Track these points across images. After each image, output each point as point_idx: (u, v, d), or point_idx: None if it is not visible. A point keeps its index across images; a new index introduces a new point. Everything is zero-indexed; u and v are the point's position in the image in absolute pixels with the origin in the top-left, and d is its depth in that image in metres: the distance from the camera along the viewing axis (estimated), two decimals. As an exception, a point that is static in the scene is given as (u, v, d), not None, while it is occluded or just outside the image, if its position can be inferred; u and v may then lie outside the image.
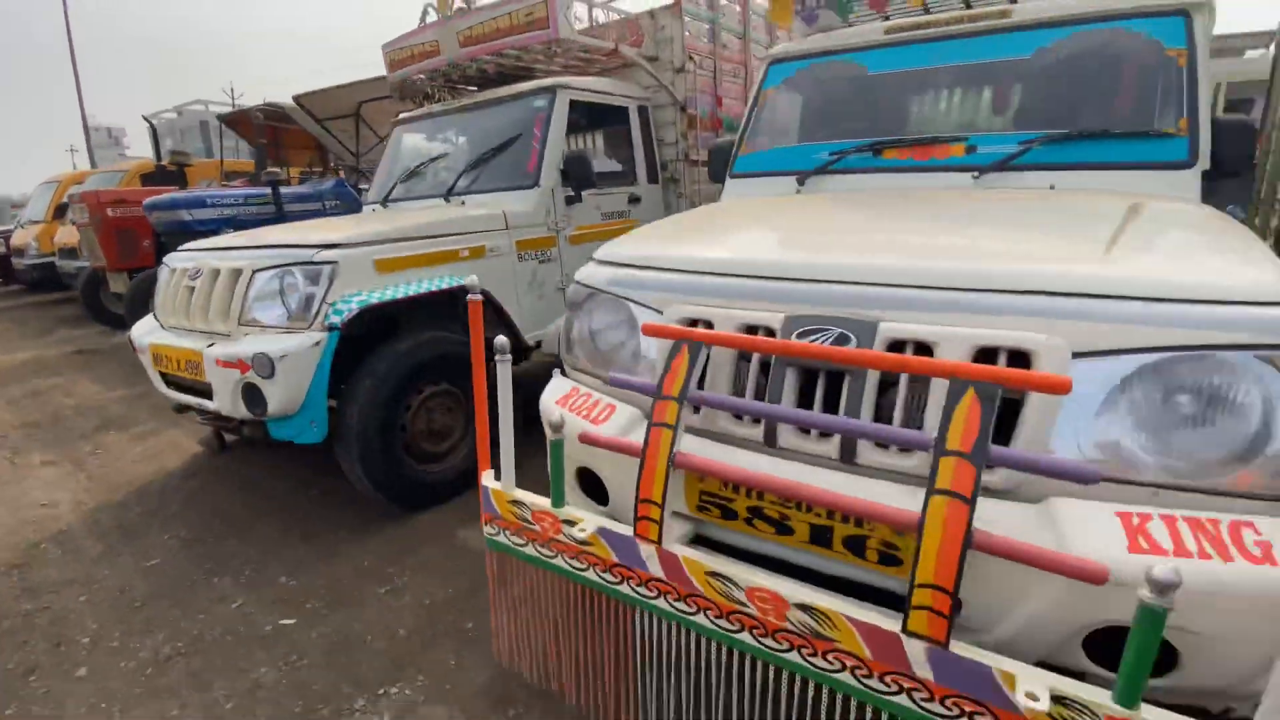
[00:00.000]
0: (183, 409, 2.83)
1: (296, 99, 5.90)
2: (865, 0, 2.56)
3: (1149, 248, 1.31)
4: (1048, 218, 1.63)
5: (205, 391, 2.46)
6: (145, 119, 7.14)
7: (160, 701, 1.72)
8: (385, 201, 3.72)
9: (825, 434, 1.26)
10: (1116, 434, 1.07)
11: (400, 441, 2.52)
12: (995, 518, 1.07)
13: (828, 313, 1.30)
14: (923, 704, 1.04)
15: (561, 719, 1.60)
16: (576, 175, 3.20)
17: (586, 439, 1.46)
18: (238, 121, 6.83)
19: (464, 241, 2.81)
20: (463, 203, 3.26)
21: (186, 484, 3.07)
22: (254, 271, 2.41)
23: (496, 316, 2.94)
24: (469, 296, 1.50)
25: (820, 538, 1.25)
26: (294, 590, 2.16)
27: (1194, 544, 0.99)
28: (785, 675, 1.18)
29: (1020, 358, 1.12)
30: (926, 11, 2.50)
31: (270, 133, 7.09)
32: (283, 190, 5.38)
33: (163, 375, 2.74)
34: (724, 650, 1.26)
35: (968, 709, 1.00)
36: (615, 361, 1.65)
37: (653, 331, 1.40)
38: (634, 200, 3.82)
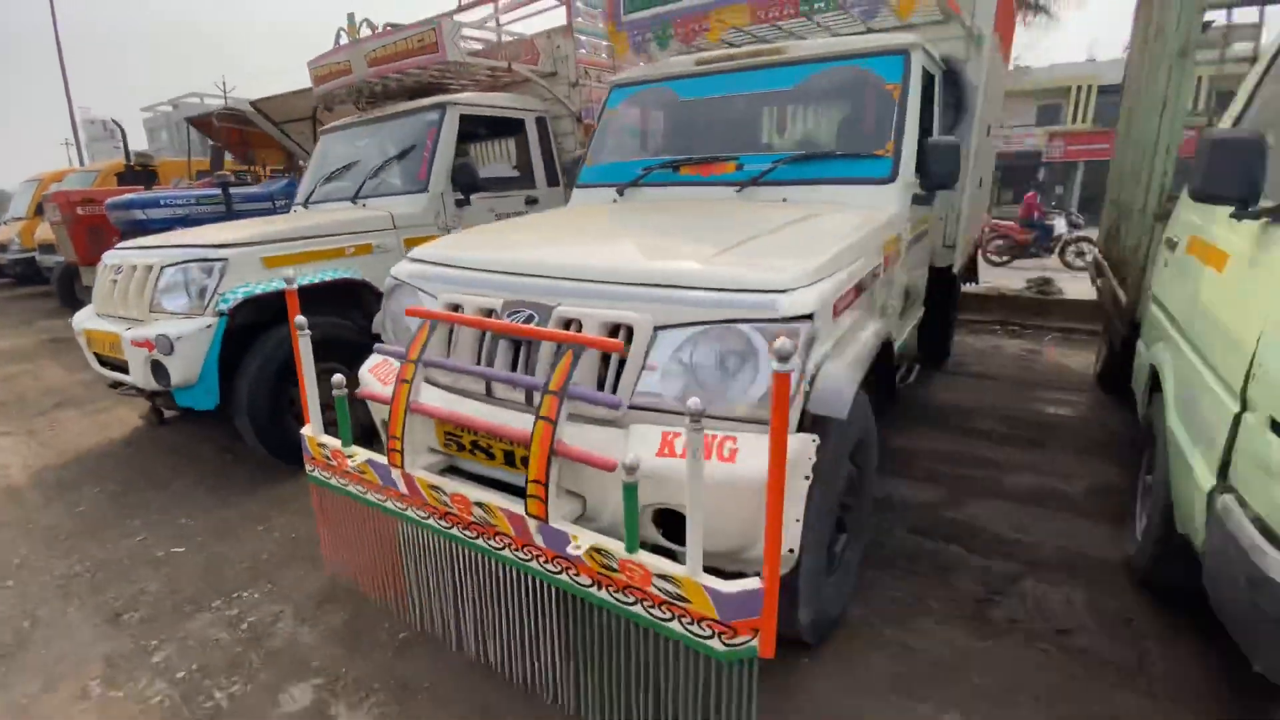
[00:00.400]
0: (115, 385, 3.31)
1: (253, 104, 6.34)
2: (677, 35, 3.02)
3: (752, 249, 1.79)
4: (732, 225, 2.10)
5: (125, 368, 2.95)
6: (114, 122, 7.60)
7: (66, 601, 2.22)
8: (306, 203, 4.20)
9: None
10: (676, 379, 1.56)
11: (289, 411, 3.01)
12: (595, 438, 1.56)
13: (527, 299, 1.78)
14: (544, 565, 1.53)
15: (363, 610, 2.09)
16: (462, 182, 3.67)
17: (364, 395, 1.95)
18: (203, 124, 7.28)
19: (351, 240, 3.28)
20: (364, 205, 3.73)
21: (124, 450, 3.56)
22: (162, 267, 2.89)
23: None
24: (285, 287, 1.98)
25: (507, 458, 1.74)
26: (189, 528, 2.66)
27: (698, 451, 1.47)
28: (481, 556, 1.67)
29: (628, 329, 1.60)
30: (728, 46, 2.97)
31: (237, 134, 7.53)
32: (235, 190, 5.85)
33: (96, 355, 3.23)
34: (450, 544, 1.75)
35: (563, 564, 1.49)
36: (404, 339, 2.13)
37: (411, 313, 1.88)
38: (531, 202, 4.29)
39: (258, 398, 2.88)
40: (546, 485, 1.47)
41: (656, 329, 1.57)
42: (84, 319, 3.32)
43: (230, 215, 5.47)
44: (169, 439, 3.68)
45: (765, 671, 1.39)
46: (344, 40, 4.20)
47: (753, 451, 1.41)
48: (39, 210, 9.40)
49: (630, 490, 1.32)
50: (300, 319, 1.91)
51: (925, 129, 2.55)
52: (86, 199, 6.95)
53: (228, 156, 7.72)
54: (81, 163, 19.78)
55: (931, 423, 3.51)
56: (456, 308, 1.92)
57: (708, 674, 1.35)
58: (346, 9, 4.40)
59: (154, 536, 2.61)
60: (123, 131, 7.61)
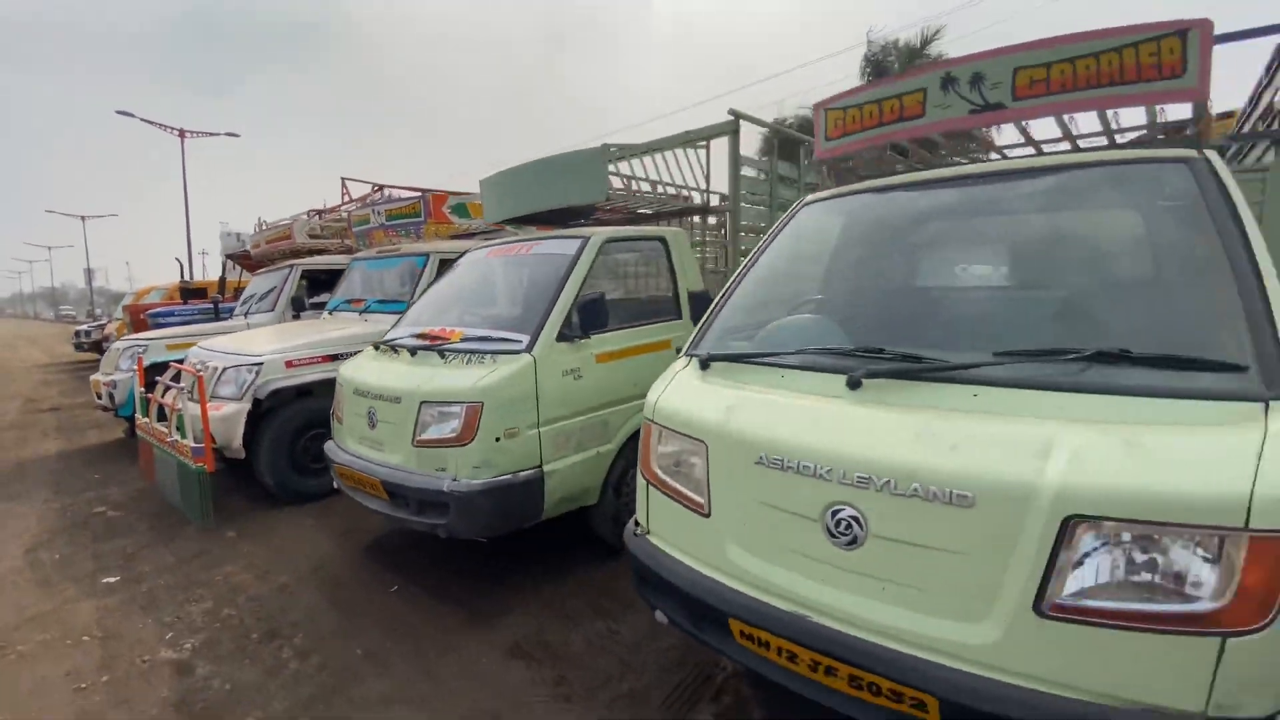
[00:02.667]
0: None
1: (229, 256, 8.41)
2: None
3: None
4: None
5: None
6: (177, 259, 9.66)
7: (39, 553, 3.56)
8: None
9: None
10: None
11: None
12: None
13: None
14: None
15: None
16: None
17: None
18: (236, 256, 9.39)
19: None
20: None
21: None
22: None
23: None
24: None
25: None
26: (192, 529, 4.02)
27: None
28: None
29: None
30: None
31: (250, 264, 9.66)
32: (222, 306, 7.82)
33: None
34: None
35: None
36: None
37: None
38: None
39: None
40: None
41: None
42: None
43: (218, 320, 7.32)
44: (222, 475, 5.10)
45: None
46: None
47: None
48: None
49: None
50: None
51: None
52: (144, 308, 8.96)
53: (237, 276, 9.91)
54: (192, 274, 22.69)
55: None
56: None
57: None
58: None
59: (141, 530, 3.99)
60: (180, 265, 9.64)
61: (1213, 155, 1.84)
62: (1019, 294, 2.08)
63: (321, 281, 7.06)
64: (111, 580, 3.46)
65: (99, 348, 12.13)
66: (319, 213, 8.14)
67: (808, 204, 2.56)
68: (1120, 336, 1.55)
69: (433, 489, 2.80)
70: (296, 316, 6.35)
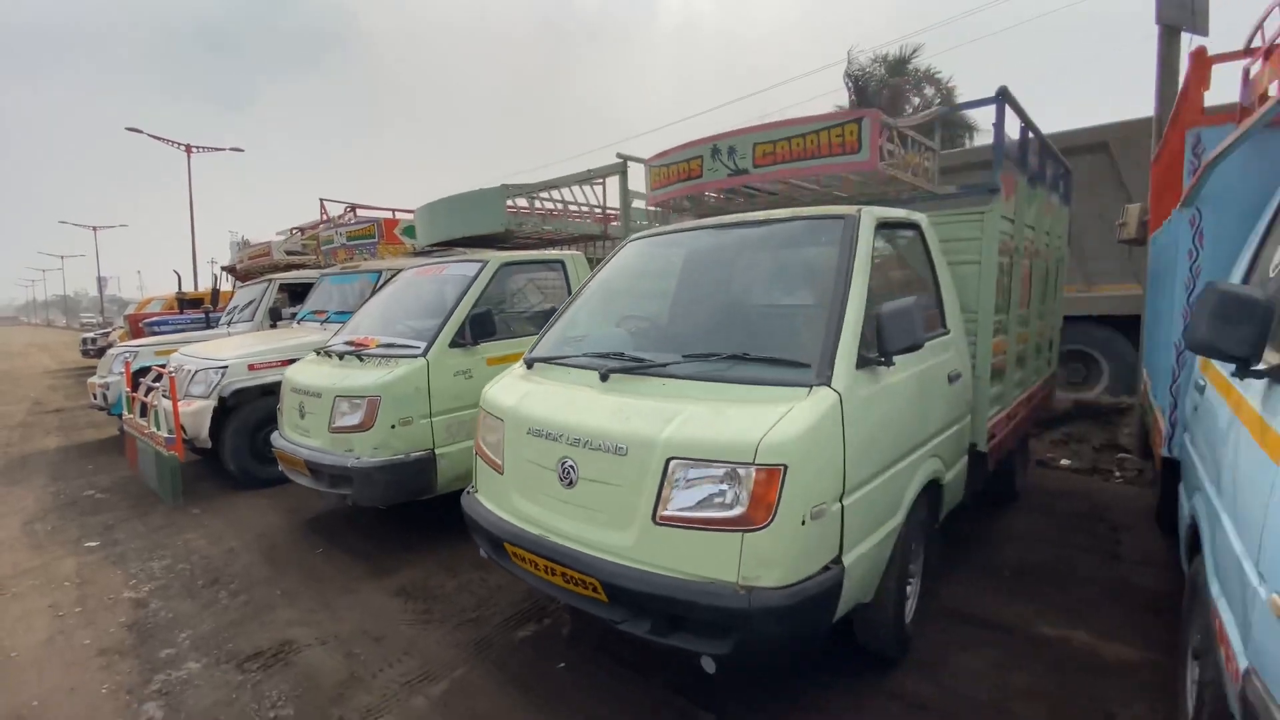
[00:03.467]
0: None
1: (224, 267, 9.18)
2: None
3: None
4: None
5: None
6: (176, 272, 10.47)
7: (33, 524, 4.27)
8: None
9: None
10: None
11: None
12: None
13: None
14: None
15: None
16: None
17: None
18: (228, 269, 10.20)
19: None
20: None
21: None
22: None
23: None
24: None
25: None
26: (164, 507, 4.73)
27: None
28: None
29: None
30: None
31: (241, 275, 10.44)
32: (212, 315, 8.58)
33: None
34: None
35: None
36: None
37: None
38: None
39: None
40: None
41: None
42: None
43: (208, 328, 8.05)
44: (198, 461, 5.83)
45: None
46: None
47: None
48: (129, 321, 13.01)
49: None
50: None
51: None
52: (142, 317, 9.76)
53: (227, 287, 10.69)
54: (196, 284, 23.63)
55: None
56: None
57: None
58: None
59: (120, 506, 4.70)
60: (179, 277, 10.46)
61: (867, 211, 2.46)
62: (711, 313, 2.73)
63: (298, 294, 7.82)
64: (92, 544, 4.19)
65: (104, 354, 13.21)
66: (300, 229, 8.93)
67: (631, 240, 3.27)
68: (754, 344, 2.24)
69: (340, 466, 3.51)
70: (273, 325, 7.10)
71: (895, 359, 2.15)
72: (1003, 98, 2.98)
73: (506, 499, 2.45)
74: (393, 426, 3.52)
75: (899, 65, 17.11)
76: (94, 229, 45.30)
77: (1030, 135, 3.41)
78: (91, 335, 15.57)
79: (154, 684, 2.62)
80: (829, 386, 1.96)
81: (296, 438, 3.97)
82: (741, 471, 1.82)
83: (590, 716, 2.31)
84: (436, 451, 3.66)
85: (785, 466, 1.79)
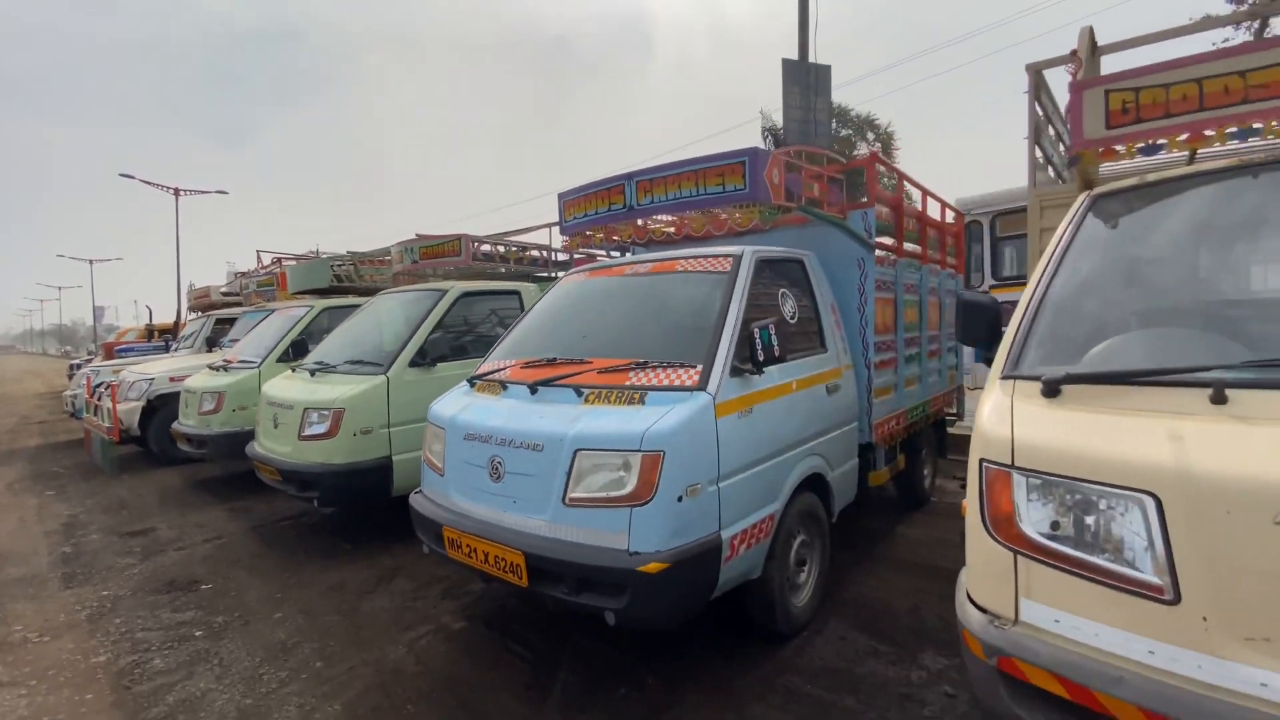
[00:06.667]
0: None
1: (191, 306, 11.41)
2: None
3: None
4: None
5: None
6: (146, 307, 12.74)
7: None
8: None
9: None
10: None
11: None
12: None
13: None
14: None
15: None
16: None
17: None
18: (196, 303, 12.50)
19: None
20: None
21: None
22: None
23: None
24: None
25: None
26: (104, 476, 6.89)
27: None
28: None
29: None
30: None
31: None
32: (169, 343, 10.80)
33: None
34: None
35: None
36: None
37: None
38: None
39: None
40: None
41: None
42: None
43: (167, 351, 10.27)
44: (137, 454, 7.99)
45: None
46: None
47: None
48: (104, 346, 15.17)
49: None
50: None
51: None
52: (115, 344, 12.10)
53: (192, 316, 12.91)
54: (182, 315, 25.94)
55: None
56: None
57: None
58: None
59: (77, 494, 6.86)
60: (150, 311, 12.77)
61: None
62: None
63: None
64: (50, 494, 6.38)
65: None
66: (243, 274, 11.20)
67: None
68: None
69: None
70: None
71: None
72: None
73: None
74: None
75: (841, 114, 17.76)
76: (90, 261, 47.78)
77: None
78: (76, 362, 17.80)
79: (70, 542, 4.79)
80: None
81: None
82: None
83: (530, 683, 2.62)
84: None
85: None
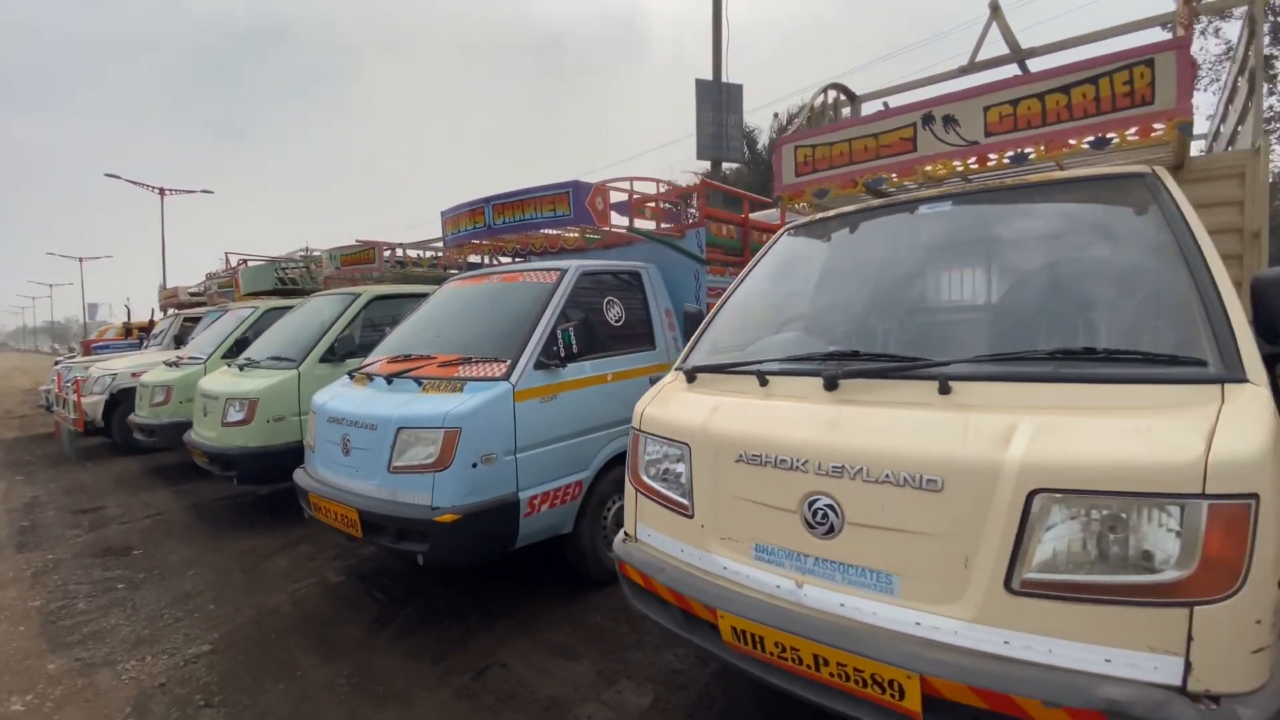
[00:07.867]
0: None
1: (162, 305, 11.98)
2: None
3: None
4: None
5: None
6: (125, 305, 13.29)
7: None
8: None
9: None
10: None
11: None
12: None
13: (171, 382, 6.83)
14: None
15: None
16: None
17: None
18: (166, 302, 13.04)
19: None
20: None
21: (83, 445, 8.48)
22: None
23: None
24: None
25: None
26: (70, 463, 7.50)
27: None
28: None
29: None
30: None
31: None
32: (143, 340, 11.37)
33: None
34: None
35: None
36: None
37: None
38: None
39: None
40: (151, 423, 6.44)
41: (188, 388, 6.57)
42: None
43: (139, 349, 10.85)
44: (102, 444, 8.59)
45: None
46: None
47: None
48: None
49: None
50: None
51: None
52: (93, 342, 12.67)
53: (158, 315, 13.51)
54: (164, 312, 26.43)
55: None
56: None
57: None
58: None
59: (51, 486, 7.47)
60: (129, 310, 13.33)
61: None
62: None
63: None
64: (19, 479, 6.99)
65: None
66: (210, 275, 11.74)
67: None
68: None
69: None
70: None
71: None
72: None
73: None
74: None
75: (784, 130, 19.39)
76: (80, 259, 48.20)
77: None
78: (60, 359, 18.34)
79: (29, 518, 5.41)
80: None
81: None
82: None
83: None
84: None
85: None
